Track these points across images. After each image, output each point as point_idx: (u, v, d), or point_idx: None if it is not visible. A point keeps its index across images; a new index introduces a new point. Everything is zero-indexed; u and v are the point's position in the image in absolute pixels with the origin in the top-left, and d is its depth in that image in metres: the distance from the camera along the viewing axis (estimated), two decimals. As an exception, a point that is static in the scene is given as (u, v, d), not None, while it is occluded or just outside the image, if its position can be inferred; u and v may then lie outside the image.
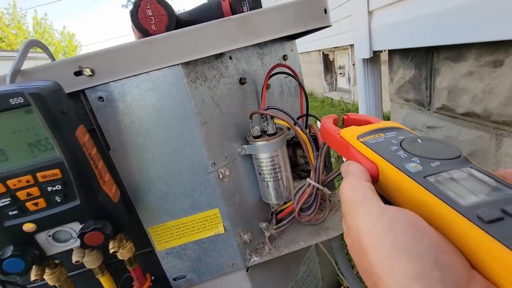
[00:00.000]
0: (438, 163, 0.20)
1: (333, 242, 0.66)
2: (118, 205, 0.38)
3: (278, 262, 0.59)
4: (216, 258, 0.49)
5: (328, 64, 3.89)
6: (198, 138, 0.41)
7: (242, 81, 0.49)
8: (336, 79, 3.92)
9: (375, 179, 0.23)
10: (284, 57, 0.61)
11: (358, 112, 1.31)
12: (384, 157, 0.22)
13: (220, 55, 0.44)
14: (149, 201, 0.44)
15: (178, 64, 0.37)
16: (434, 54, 0.91)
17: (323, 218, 0.56)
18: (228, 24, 0.37)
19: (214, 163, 0.44)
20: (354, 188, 0.21)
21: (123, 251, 0.41)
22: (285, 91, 0.62)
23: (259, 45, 0.53)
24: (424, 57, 0.95)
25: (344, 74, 3.54)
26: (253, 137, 0.48)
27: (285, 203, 0.57)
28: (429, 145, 0.23)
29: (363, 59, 1.22)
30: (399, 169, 0.21)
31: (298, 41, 0.68)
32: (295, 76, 0.55)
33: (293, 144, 0.61)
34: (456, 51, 0.81)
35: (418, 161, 0.21)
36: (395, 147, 0.23)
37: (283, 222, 0.52)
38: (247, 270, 0.52)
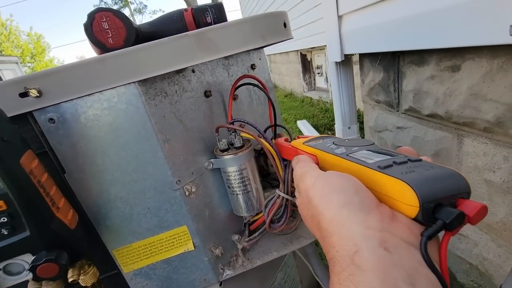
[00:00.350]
0: (357, 147, 0.29)
1: (308, 248, 0.67)
2: (76, 231, 0.36)
3: (254, 272, 0.58)
4: (187, 276, 0.48)
5: (306, 64, 3.95)
6: (160, 157, 0.40)
7: (207, 94, 0.48)
8: (314, 79, 3.99)
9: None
10: (252, 66, 0.61)
11: (333, 112, 1.34)
12: (322, 149, 0.32)
13: (181, 69, 0.43)
14: (111, 223, 0.42)
15: (134, 82, 0.36)
16: (400, 58, 0.95)
17: (295, 226, 0.56)
18: (185, 40, 0.36)
19: (180, 180, 0.43)
20: (303, 166, 0.29)
21: (85, 278, 0.39)
22: (255, 100, 0.62)
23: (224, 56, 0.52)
24: (391, 61, 0.99)
25: (321, 73, 3.60)
26: (220, 150, 0.48)
27: (257, 213, 0.57)
28: (353, 141, 0.32)
29: (336, 62, 1.24)
30: (330, 153, 0.30)
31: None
32: (262, 87, 0.55)
33: (264, 154, 0.61)
34: (419, 55, 0.84)
35: (344, 149, 0.30)
36: (329, 144, 0.33)
37: (254, 235, 0.52)
38: (220, 285, 0.51)
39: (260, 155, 0.60)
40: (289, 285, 0.76)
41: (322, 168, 0.30)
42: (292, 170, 0.49)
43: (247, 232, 0.56)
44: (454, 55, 0.71)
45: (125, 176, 0.40)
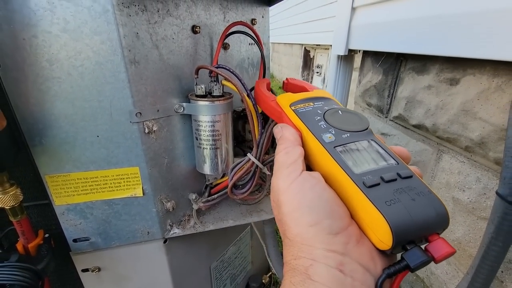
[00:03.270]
0: (348, 134, 0.25)
1: (267, 227, 0.64)
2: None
3: (205, 238, 0.55)
4: (129, 224, 0.43)
5: (307, 61, 3.90)
6: (122, 79, 0.34)
7: (195, 30, 0.42)
8: (312, 77, 3.96)
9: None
10: (253, 21, 0.55)
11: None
12: (308, 126, 0.26)
13: (170, -13, 0.37)
14: (49, 144, 0.36)
15: (107, -24, 0.30)
16: (402, 63, 0.92)
17: (259, 199, 0.53)
18: None
19: (141, 114, 0.37)
20: (288, 152, 0.24)
21: (3, 197, 0.33)
22: (247, 60, 0.57)
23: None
24: (393, 64, 0.96)
25: (320, 73, 3.58)
26: (196, 95, 0.42)
27: (222, 177, 0.53)
28: (346, 117, 0.27)
29: (338, 56, 1.21)
30: (317, 138, 0.25)
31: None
32: (258, 41, 0.49)
33: (244, 117, 0.56)
34: (422, 63, 0.82)
35: (333, 132, 0.25)
36: (318, 117, 0.27)
37: (213, 196, 0.48)
38: (164, 242, 0.47)
39: (239, 118, 0.56)
40: (239, 261, 0.73)
41: (304, 147, 0.26)
42: (271, 135, 0.45)
43: (206, 194, 0.51)
44: (456, 68, 0.70)
45: (76, 91, 0.34)
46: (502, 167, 0.50)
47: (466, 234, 0.68)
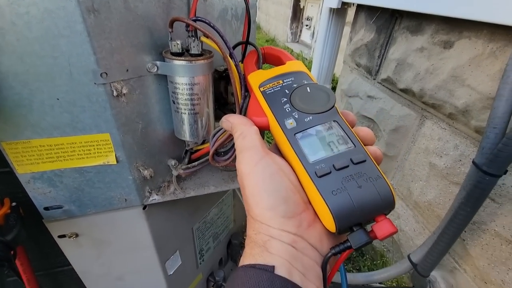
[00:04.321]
0: (311, 117, 0.25)
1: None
2: None
3: (187, 201, 0.54)
4: (104, 191, 0.41)
5: (297, 12, 3.64)
6: (80, 31, 0.29)
7: (167, -29, 0.35)
8: (301, 30, 3.74)
9: (267, 129, 0.28)
10: (237, -36, 0.47)
11: (311, 70, 1.25)
12: (273, 111, 0.27)
13: None
14: (1, 106, 0.31)
15: None
16: (396, 21, 0.87)
17: (241, 165, 0.52)
18: None
19: (106, 74, 0.32)
20: (244, 136, 0.26)
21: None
22: (230, 10, 0.50)
23: None
24: (387, 21, 0.90)
25: (310, 27, 3.38)
26: (171, 53, 0.37)
27: (203, 142, 0.50)
28: (313, 95, 0.27)
29: (330, 9, 1.11)
30: (279, 125, 0.26)
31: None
32: (242, -11, 0.43)
33: (226, 78, 0.52)
34: (418, 22, 0.77)
35: (296, 116, 0.26)
36: (284, 99, 0.27)
37: (193, 163, 0.46)
38: (144, 208, 0.46)
39: (221, 79, 0.51)
40: (221, 221, 0.75)
41: (271, 132, 0.27)
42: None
43: (187, 160, 0.49)
44: (452, 29, 0.66)
45: (24, 44, 0.28)
46: (482, 136, 0.50)
47: (437, 196, 0.72)
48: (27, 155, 0.35)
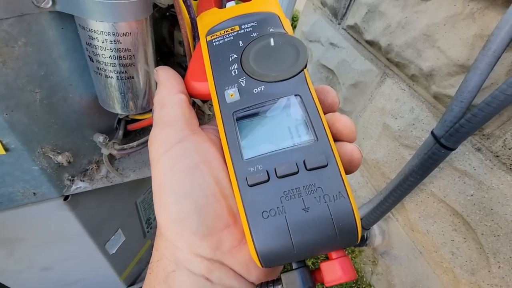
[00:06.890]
0: (263, 87, 0.18)
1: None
2: None
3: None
4: (-5, 188, 0.29)
5: None
6: None
7: None
8: None
9: (207, 98, 0.20)
10: None
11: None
12: (214, 73, 0.19)
13: None
14: None
15: None
16: (375, -45, 0.74)
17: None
18: None
19: None
20: (163, 106, 0.18)
21: None
22: None
23: None
24: (364, -46, 0.77)
25: None
26: (76, -24, 0.22)
27: (145, 112, 0.38)
28: (276, 52, 0.18)
29: None
30: (217, 96, 0.18)
31: None
32: None
33: (172, 18, 0.37)
34: (400, -39, 0.67)
35: (243, 84, 0.18)
36: (234, 56, 0.19)
37: (131, 144, 0.35)
38: (65, 199, 0.35)
39: (164, 18, 0.37)
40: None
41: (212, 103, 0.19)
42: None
43: (121, 132, 0.37)
44: (436, -22, 0.58)
45: None
46: (446, 109, 0.50)
47: (385, 156, 0.75)
48: None
